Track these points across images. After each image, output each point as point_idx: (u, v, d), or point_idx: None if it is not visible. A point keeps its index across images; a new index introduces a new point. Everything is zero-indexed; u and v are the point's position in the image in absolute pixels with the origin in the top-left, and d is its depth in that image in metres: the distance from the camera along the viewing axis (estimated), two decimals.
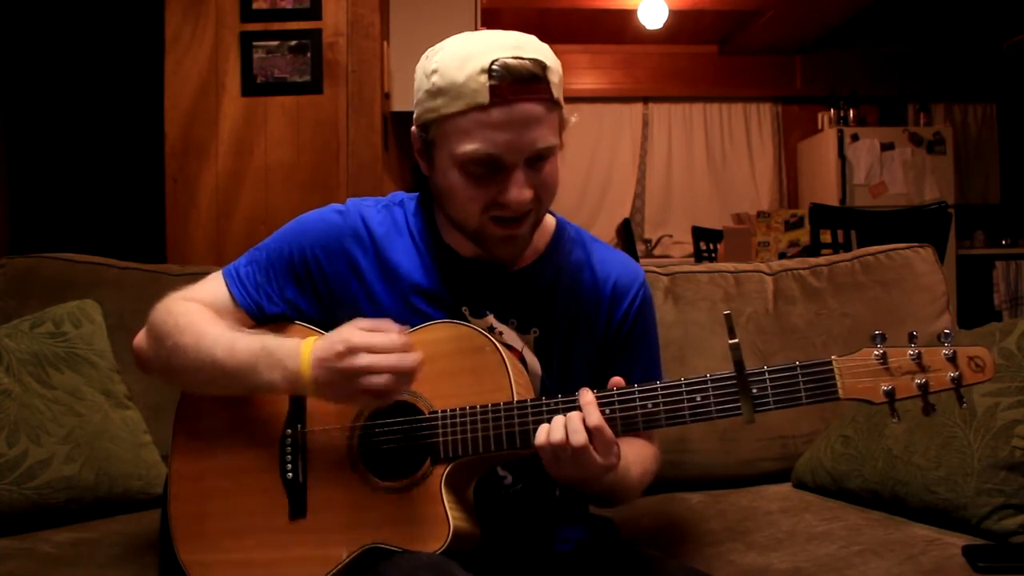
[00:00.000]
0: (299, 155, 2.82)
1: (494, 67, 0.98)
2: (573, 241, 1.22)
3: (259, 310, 1.14)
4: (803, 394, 0.95)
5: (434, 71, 1.03)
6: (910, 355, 0.93)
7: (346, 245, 1.14)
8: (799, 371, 0.95)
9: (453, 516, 0.98)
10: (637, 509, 1.42)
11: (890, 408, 0.94)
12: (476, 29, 3.18)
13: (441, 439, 1.02)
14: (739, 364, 0.95)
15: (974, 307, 5.58)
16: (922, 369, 0.93)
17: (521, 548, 1.15)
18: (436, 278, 1.13)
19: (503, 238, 1.07)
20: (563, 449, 0.95)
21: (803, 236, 4.48)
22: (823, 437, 1.56)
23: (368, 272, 1.13)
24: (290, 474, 1.07)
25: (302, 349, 0.99)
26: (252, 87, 2.81)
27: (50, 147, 3.63)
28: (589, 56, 6.41)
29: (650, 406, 0.98)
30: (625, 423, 0.98)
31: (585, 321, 1.17)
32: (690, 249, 5.47)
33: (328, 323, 1.13)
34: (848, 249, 3.22)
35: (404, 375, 0.95)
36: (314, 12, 2.81)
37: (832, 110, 6.09)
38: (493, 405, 1.01)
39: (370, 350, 0.94)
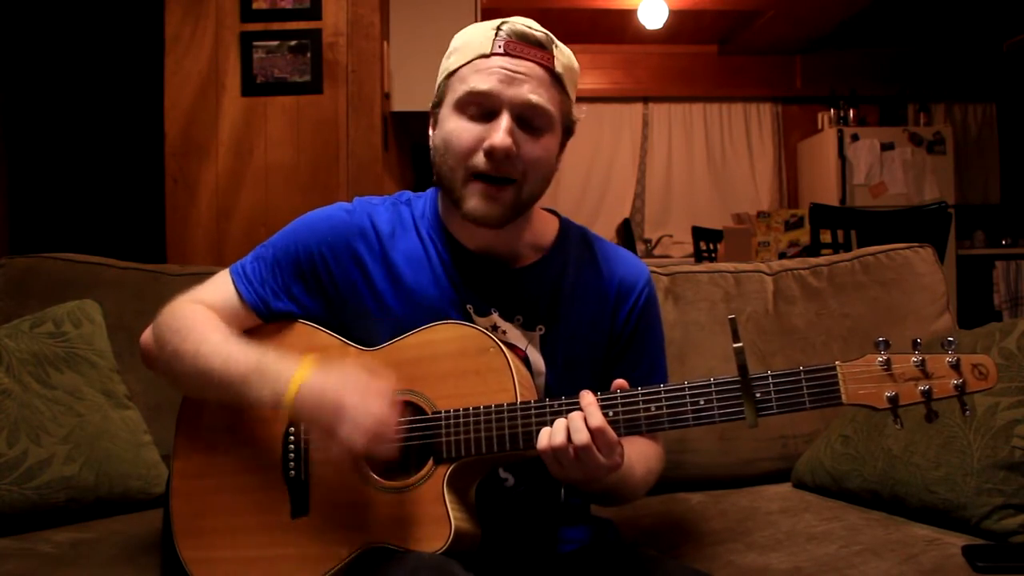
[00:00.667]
0: (299, 155, 2.82)
1: (503, 25, 1.07)
2: (578, 239, 1.22)
3: (265, 307, 1.14)
4: (807, 399, 0.95)
5: (453, 42, 1.12)
6: (914, 362, 0.93)
7: (353, 244, 1.14)
8: (803, 376, 0.95)
9: (455, 516, 0.99)
10: (637, 509, 1.42)
11: (893, 415, 0.94)
12: None
13: (444, 439, 1.02)
14: (743, 368, 0.95)
15: (974, 307, 5.58)
16: (926, 376, 0.93)
17: (522, 549, 1.15)
18: (442, 276, 1.13)
19: (479, 196, 1.06)
20: (564, 451, 0.95)
21: (803, 236, 4.48)
22: (823, 437, 1.56)
23: (374, 271, 1.13)
24: (292, 472, 1.07)
25: (294, 376, 0.99)
26: (252, 87, 2.81)
27: (50, 147, 3.63)
28: (589, 56, 6.40)
29: (653, 409, 0.98)
30: (628, 425, 0.98)
31: (590, 318, 1.17)
32: (690, 249, 5.47)
33: (333, 321, 1.14)
34: (848, 249, 3.23)
35: (379, 442, 0.97)
36: (314, 12, 2.81)
37: (832, 110, 6.09)
38: (496, 406, 1.01)
39: (356, 420, 0.95)
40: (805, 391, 0.95)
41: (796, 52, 6.48)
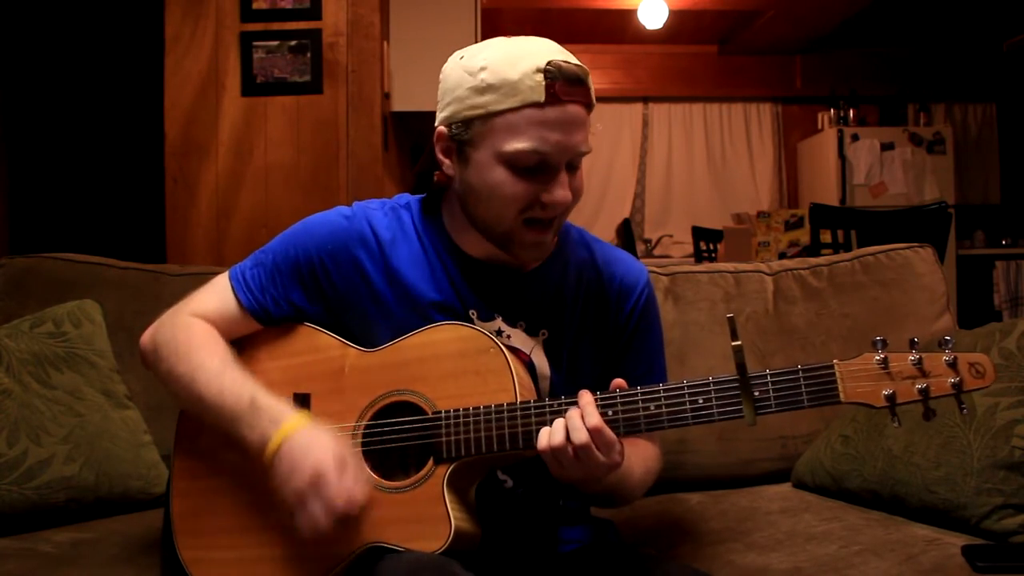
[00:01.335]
0: (299, 155, 2.82)
1: (549, 67, 1.00)
2: (577, 242, 1.22)
3: (265, 314, 1.14)
4: (804, 397, 0.95)
5: (482, 68, 1.01)
6: (911, 360, 0.93)
7: (353, 250, 1.13)
8: (801, 374, 0.95)
9: (455, 516, 0.99)
10: (637, 510, 1.42)
11: (891, 412, 0.94)
12: (476, 29, 3.19)
13: (444, 439, 1.02)
14: (741, 367, 0.96)
15: (974, 307, 5.58)
16: (923, 374, 0.93)
17: (522, 549, 1.15)
18: (445, 283, 1.13)
19: (533, 243, 1.07)
20: (564, 450, 0.95)
21: (803, 236, 4.49)
22: (823, 437, 1.56)
23: (375, 278, 1.13)
24: None
25: (282, 428, 0.99)
26: (252, 87, 2.81)
27: (50, 147, 3.63)
28: (589, 56, 6.39)
29: (652, 408, 0.98)
30: (628, 424, 0.98)
31: (593, 320, 1.18)
32: (690, 249, 5.47)
33: (335, 326, 1.13)
34: (848, 249, 3.23)
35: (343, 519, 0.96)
36: (314, 12, 2.81)
37: (832, 110, 6.10)
38: (496, 406, 1.01)
39: (327, 498, 0.94)
40: (803, 389, 0.95)
41: (796, 52, 6.48)
